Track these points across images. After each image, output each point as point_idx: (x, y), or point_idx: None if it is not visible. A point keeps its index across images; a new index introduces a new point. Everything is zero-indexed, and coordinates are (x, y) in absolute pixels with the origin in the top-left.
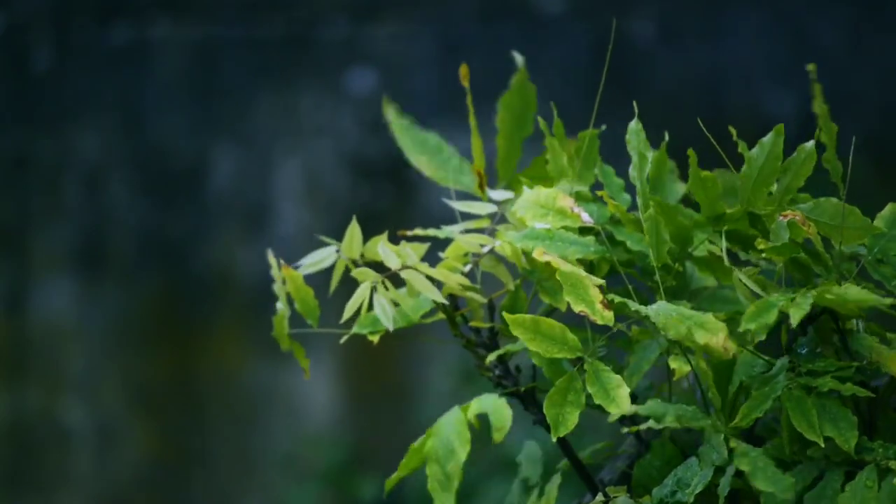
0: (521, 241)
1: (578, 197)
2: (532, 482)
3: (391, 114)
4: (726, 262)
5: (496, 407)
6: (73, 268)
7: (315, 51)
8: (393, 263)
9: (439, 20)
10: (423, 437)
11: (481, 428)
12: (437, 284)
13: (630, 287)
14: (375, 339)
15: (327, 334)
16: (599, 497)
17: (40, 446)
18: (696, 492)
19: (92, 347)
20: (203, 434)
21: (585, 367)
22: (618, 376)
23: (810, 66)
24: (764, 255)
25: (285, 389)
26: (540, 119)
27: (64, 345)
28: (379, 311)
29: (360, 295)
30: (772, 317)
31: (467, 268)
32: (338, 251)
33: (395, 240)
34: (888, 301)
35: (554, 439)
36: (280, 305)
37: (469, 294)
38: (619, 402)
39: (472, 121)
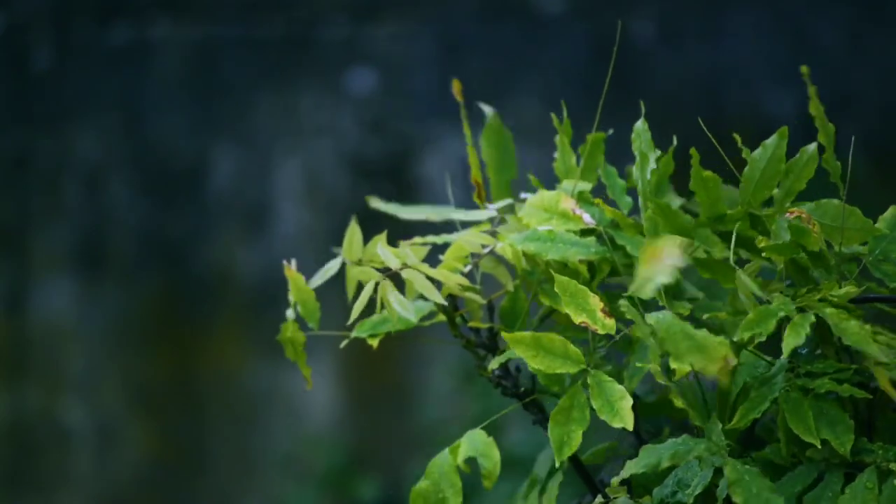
0: (522, 242)
1: (580, 198)
2: (540, 479)
3: (380, 205)
4: (731, 260)
5: (485, 449)
6: (73, 268)
7: (315, 51)
8: (393, 264)
9: (439, 20)
10: (421, 479)
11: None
12: (437, 285)
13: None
14: (375, 343)
15: (327, 335)
16: (599, 497)
17: (40, 446)
18: (696, 493)
19: (92, 347)
20: (203, 434)
21: (589, 379)
22: (621, 388)
23: (804, 69)
24: (764, 254)
25: (285, 390)
26: (553, 116)
27: (64, 345)
28: (397, 306)
29: (365, 294)
30: (770, 326)
31: (467, 268)
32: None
33: (393, 242)
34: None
35: (558, 463)
36: (291, 313)
37: (468, 295)
38: (624, 415)
39: (467, 131)
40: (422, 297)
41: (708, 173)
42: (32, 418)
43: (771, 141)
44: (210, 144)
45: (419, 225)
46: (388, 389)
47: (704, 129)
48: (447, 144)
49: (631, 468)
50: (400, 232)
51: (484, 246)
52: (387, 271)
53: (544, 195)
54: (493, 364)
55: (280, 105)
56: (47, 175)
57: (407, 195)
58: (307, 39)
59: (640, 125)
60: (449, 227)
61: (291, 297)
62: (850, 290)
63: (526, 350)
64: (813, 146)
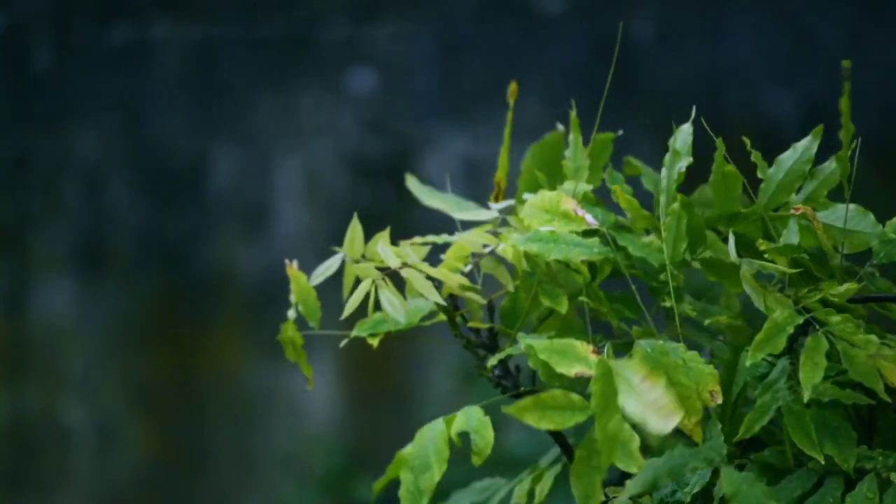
0: (525, 243)
1: (583, 199)
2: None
3: (414, 185)
4: (734, 257)
5: (480, 426)
6: (73, 268)
7: (315, 51)
8: (393, 262)
9: (439, 20)
10: (409, 445)
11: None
12: (438, 285)
13: (633, 288)
14: (375, 342)
15: (327, 334)
16: None
17: (40, 446)
18: (694, 491)
19: (92, 347)
20: (203, 434)
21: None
22: (628, 428)
23: (845, 63)
24: (766, 256)
25: (285, 390)
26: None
27: (64, 345)
28: (387, 306)
29: (361, 290)
30: (781, 343)
31: (467, 268)
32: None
33: (395, 242)
34: None
35: None
36: (292, 313)
37: (469, 294)
38: (635, 457)
39: (507, 134)
40: (421, 296)
41: (730, 168)
42: (32, 418)
43: (803, 143)
44: (210, 144)
45: (420, 225)
46: (388, 389)
47: (707, 128)
48: (447, 144)
49: (632, 488)
50: (400, 232)
51: (485, 246)
52: (387, 270)
53: (546, 196)
54: (493, 360)
55: (280, 105)
56: (47, 175)
57: (407, 195)
58: (307, 39)
59: (687, 127)
60: (450, 227)
61: (293, 297)
62: (849, 288)
63: (531, 415)
64: (845, 153)
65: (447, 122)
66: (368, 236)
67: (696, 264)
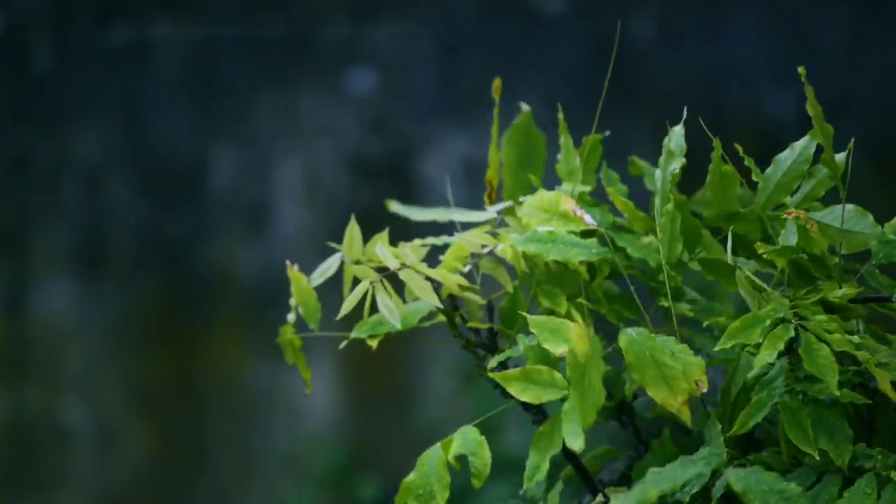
0: (523, 243)
1: (580, 199)
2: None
3: (397, 206)
4: (729, 259)
5: (476, 447)
6: (73, 268)
7: (315, 51)
8: (391, 264)
9: (439, 20)
10: (412, 472)
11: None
12: (437, 286)
13: (632, 288)
14: (374, 343)
15: (327, 336)
16: (599, 497)
17: (40, 446)
18: (693, 491)
19: (92, 347)
20: (203, 434)
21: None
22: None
23: (801, 69)
24: (765, 257)
25: (285, 390)
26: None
27: (64, 345)
28: (384, 309)
29: (358, 291)
30: (756, 335)
31: (466, 269)
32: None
33: (394, 243)
34: None
35: (525, 487)
36: (291, 316)
37: (468, 295)
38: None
39: (495, 131)
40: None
41: (727, 168)
42: (32, 418)
43: (801, 142)
44: (210, 144)
45: (419, 225)
46: (388, 390)
47: (705, 128)
48: (447, 144)
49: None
50: (400, 232)
51: (484, 246)
52: (385, 271)
53: (544, 196)
54: (493, 362)
55: (280, 105)
56: (47, 175)
57: (407, 195)
58: (307, 39)
59: (679, 128)
60: (449, 227)
61: (293, 300)
62: (848, 290)
63: (516, 385)
64: (841, 155)
65: (447, 122)
66: (368, 236)
67: (694, 264)
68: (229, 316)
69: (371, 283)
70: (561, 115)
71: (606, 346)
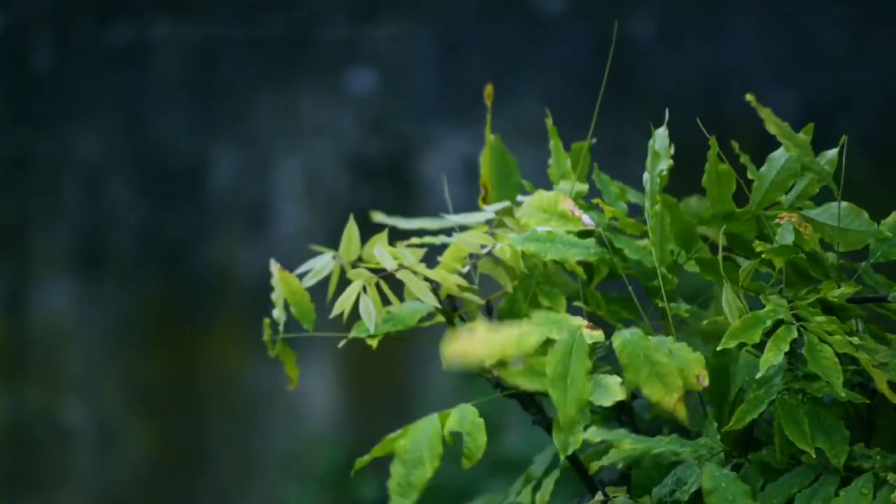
0: (522, 243)
1: (577, 200)
2: (535, 476)
3: (382, 217)
4: (720, 259)
5: (473, 428)
6: (73, 268)
7: (315, 51)
8: (389, 264)
9: (439, 20)
10: (399, 431)
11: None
12: (436, 286)
13: (630, 288)
14: (374, 343)
15: (326, 336)
16: (599, 497)
17: (40, 446)
18: (692, 490)
19: (92, 347)
20: (203, 434)
21: None
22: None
23: (749, 96)
24: (764, 256)
25: (285, 390)
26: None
27: (64, 345)
28: (363, 313)
29: (349, 293)
30: (757, 335)
31: (465, 269)
32: (334, 257)
33: (393, 243)
34: None
35: (563, 457)
36: (276, 313)
37: (467, 295)
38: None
39: (488, 133)
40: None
41: (724, 166)
42: (32, 418)
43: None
44: (210, 144)
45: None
46: (388, 389)
47: (703, 129)
48: (447, 144)
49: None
50: (399, 233)
51: (482, 246)
52: (383, 272)
53: (543, 196)
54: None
55: (280, 105)
56: (47, 175)
57: (407, 195)
58: (307, 39)
59: (662, 130)
60: (448, 227)
61: (275, 295)
62: (846, 290)
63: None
64: (833, 151)
65: (447, 122)
66: (368, 236)
67: (690, 265)
68: (229, 316)
69: (363, 284)
70: (550, 121)
71: (602, 344)
